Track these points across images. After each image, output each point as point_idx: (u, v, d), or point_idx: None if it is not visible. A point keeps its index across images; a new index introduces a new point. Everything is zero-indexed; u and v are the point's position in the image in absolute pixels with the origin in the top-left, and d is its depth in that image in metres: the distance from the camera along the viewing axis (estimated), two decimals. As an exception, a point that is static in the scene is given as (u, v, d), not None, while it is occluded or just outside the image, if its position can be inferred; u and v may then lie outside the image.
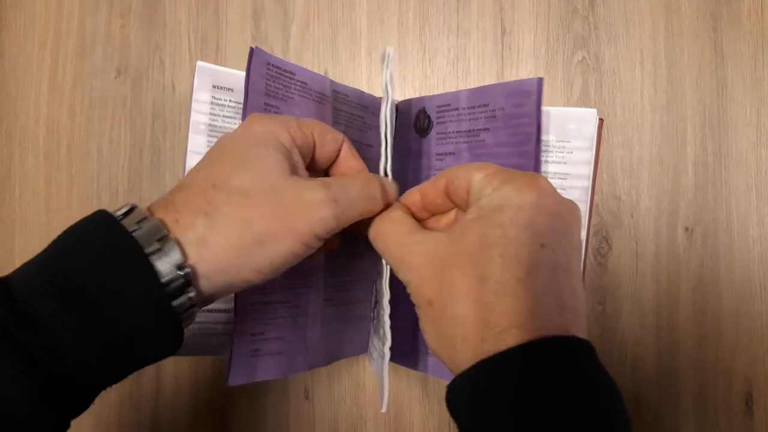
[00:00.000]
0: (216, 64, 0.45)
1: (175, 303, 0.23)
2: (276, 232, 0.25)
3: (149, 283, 0.22)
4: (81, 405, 0.24)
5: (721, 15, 0.44)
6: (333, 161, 0.31)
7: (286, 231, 0.25)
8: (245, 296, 0.35)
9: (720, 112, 0.44)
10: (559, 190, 0.40)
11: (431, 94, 0.41)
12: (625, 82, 0.45)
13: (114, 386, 0.47)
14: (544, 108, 0.41)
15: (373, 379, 0.47)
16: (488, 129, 0.37)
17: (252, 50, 0.33)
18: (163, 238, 0.23)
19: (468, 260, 0.23)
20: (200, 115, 0.39)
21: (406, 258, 0.26)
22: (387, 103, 0.33)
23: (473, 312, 0.22)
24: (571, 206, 0.24)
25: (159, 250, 0.23)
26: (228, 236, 0.24)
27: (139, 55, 0.50)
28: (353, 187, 0.27)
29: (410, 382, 0.47)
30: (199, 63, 0.39)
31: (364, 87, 0.47)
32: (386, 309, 0.33)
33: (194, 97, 0.39)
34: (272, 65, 0.35)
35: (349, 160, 0.31)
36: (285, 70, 0.36)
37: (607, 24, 0.45)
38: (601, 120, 0.42)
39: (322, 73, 0.48)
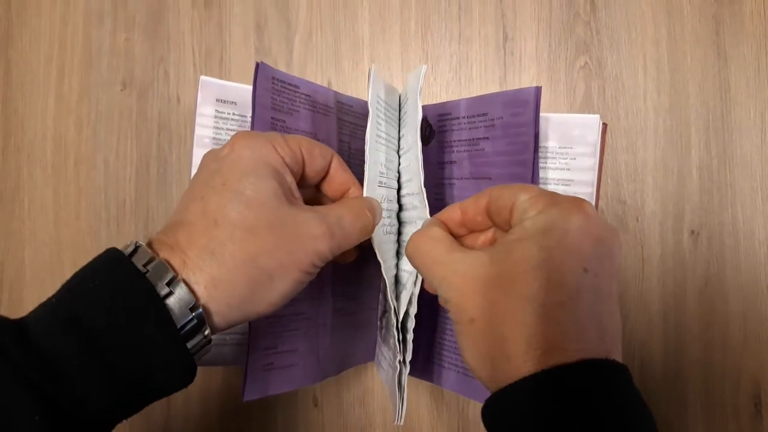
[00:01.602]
0: (220, 76, 0.46)
1: (190, 344, 0.24)
2: (281, 267, 0.25)
3: (165, 325, 0.23)
4: None
5: (724, 18, 0.44)
6: (324, 176, 0.32)
7: (289, 264, 0.25)
8: None
9: (724, 115, 0.44)
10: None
11: (434, 101, 0.42)
12: (628, 86, 0.45)
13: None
14: (547, 114, 0.41)
15: (381, 386, 0.47)
16: (487, 138, 0.37)
17: (258, 65, 0.34)
18: (172, 281, 0.23)
19: (512, 281, 0.23)
20: (204, 129, 0.39)
21: (446, 276, 0.26)
22: (371, 120, 0.33)
23: (516, 332, 0.22)
24: (614, 231, 0.24)
25: (170, 293, 0.23)
26: (236, 275, 0.24)
27: (143, 67, 0.50)
28: (348, 220, 0.28)
29: (419, 390, 0.47)
30: (203, 78, 0.40)
31: (367, 96, 0.47)
32: (393, 321, 0.33)
33: (198, 111, 0.40)
34: (277, 79, 0.35)
35: (340, 175, 0.32)
36: (289, 84, 0.36)
37: (609, 29, 0.45)
38: (604, 125, 0.42)
39: (325, 83, 0.48)
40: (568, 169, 0.41)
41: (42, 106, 0.51)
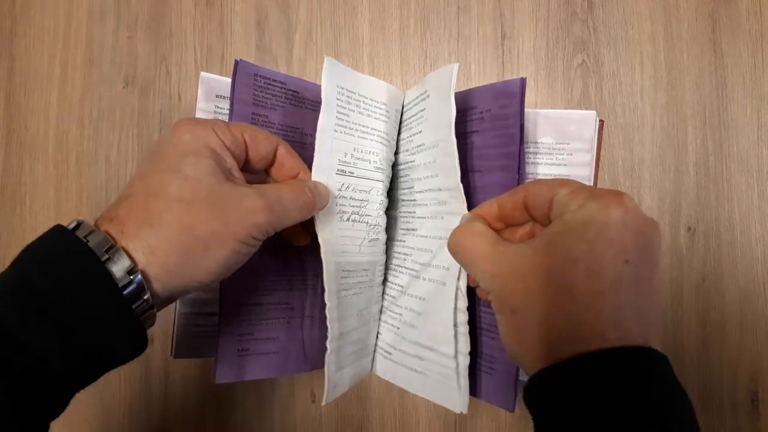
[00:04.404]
0: (221, 73, 0.46)
1: (133, 306, 0.25)
2: (216, 236, 0.26)
3: (108, 285, 0.24)
4: (55, 408, 0.25)
5: (720, 16, 0.44)
6: (272, 163, 0.33)
7: (226, 234, 0.27)
8: (233, 297, 0.36)
9: (720, 112, 0.44)
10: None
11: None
12: (625, 83, 0.45)
13: (124, 387, 0.48)
14: (543, 110, 0.41)
15: (378, 381, 0.47)
16: (477, 131, 0.38)
17: (236, 63, 0.35)
18: (111, 248, 0.24)
19: (554, 272, 0.24)
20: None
21: (489, 269, 0.27)
22: (326, 110, 0.34)
23: (558, 321, 0.24)
24: (654, 224, 0.25)
25: (109, 259, 0.24)
26: (172, 242, 0.25)
27: (146, 65, 0.51)
28: (287, 197, 0.30)
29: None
30: (203, 74, 0.40)
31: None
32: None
33: (198, 106, 0.40)
34: (260, 76, 0.36)
35: (288, 161, 0.33)
36: (274, 80, 0.37)
37: (607, 27, 0.45)
38: (601, 121, 0.42)
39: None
40: (565, 165, 0.41)
41: (45, 103, 0.52)
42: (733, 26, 0.44)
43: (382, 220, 0.39)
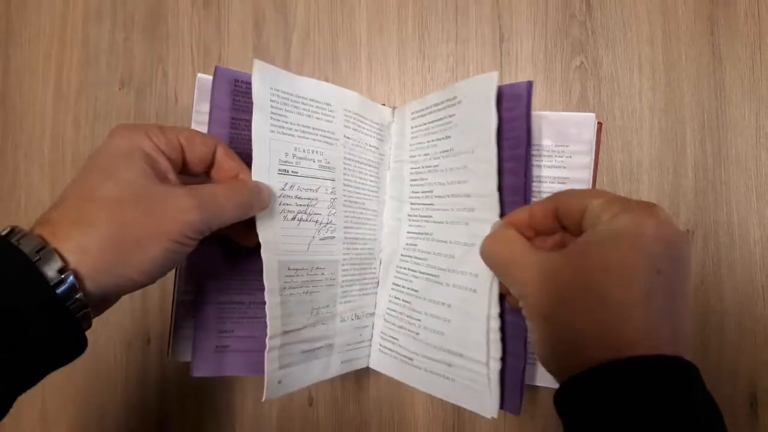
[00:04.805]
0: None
1: (68, 305, 0.25)
2: (148, 235, 0.27)
3: (39, 285, 0.24)
4: None
5: (718, 18, 0.44)
6: (211, 164, 0.33)
7: (157, 233, 0.27)
8: (211, 296, 0.38)
9: (719, 114, 0.44)
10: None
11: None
12: (623, 86, 0.45)
13: (121, 391, 0.48)
14: (542, 113, 0.41)
15: (376, 385, 0.47)
16: None
17: (216, 70, 0.37)
18: (42, 249, 0.25)
19: (588, 282, 0.25)
20: (201, 126, 0.40)
21: (522, 276, 0.28)
22: (260, 112, 0.35)
23: (591, 328, 0.24)
24: (685, 237, 0.26)
25: (40, 260, 0.24)
26: (103, 241, 0.26)
27: (142, 66, 0.50)
28: (221, 195, 0.30)
29: (414, 389, 0.47)
30: (200, 75, 0.40)
31: (364, 94, 0.48)
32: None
33: (195, 108, 0.40)
34: (241, 81, 0.38)
35: (227, 162, 0.33)
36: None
37: (605, 29, 0.45)
38: (599, 124, 0.42)
39: (322, 80, 0.48)
40: (564, 167, 0.41)
41: (40, 104, 0.51)
42: (731, 28, 0.44)
43: (338, 219, 0.39)
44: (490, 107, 0.35)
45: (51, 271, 0.24)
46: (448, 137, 0.39)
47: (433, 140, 0.40)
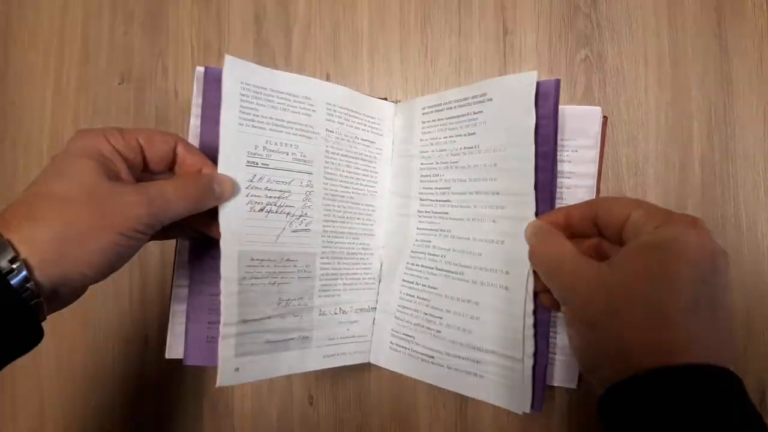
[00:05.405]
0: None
1: (20, 294, 0.26)
2: (96, 229, 0.28)
3: None
4: None
5: (725, 10, 0.44)
6: (174, 161, 0.35)
7: (104, 227, 0.28)
8: (204, 287, 0.38)
9: (726, 108, 0.43)
10: (563, 189, 0.40)
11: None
12: (629, 79, 0.44)
13: (117, 389, 0.47)
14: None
15: (377, 384, 0.46)
16: None
17: (205, 70, 0.38)
18: None
19: (634, 290, 0.26)
20: (200, 119, 0.39)
21: (570, 282, 0.29)
22: (230, 106, 0.35)
23: (639, 336, 0.25)
24: (724, 252, 0.26)
25: None
26: (51, 234, 0.27)
27: (142, 61, 0.50)
28: (170, 190, 0.31)
29: (416, 388, 0.46)
30: (198, 69, 0.39)
31: (365, 89, 0.47)
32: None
33: (194, 102, 0.39)
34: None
35: (189, 157, 0.35)
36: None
37: (610, 21, 0.45)
38: (605, 118, 0.41)
39: (323, 75, 0.48)
40: (570, 161, 0.40)
41: (40, 100, 0.51)
42: (738, 20, 0.44)
43: (315, 212, 0.39)
44: (529, 106, 0.35)
45: (3, 261, 0.25)
46: (472, 134, 0.38)
47: (451, 136, 0.39)
